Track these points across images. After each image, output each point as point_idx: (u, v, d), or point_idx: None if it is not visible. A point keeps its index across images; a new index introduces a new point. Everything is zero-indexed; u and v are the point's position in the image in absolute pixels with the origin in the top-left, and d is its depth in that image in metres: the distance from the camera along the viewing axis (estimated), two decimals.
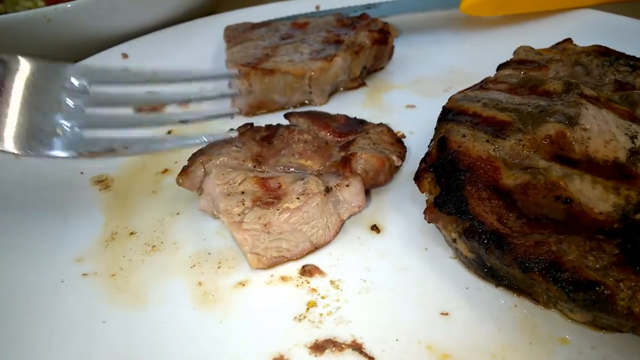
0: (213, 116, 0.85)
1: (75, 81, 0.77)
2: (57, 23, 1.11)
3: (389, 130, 0.89)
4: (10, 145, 0.70)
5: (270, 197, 0.72)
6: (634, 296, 0.50)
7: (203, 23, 1.36)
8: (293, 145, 0.82)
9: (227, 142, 0.83)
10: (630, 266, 0.52)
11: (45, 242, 0.77)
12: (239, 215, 0.70)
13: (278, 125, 0.89)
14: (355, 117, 0.95)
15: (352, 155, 0.79)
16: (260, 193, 0.72)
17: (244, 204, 0.71)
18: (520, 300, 0.62)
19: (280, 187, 0.73)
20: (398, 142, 0.87)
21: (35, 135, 0.72)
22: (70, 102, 0.75)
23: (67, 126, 0.73)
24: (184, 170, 0.79)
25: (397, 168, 0.83)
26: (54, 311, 0.67)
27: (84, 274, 0.72)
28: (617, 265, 0.52)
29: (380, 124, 0.90)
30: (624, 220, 0.58)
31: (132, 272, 0.71)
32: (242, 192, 0.72)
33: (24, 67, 0.74)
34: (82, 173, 0.92)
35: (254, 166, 0.79)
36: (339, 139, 0.87)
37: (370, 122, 0.92)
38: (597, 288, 0.51)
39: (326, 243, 0.74)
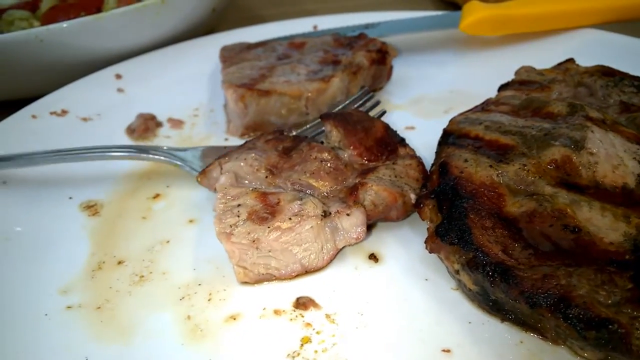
0: None
1: None
2: (50, 44, 1.08)
3: (419, 164, 0.80)
4: None
5: (266, 211, 0.69)
6: None
7: (199, 43, 1.34)
8: (308, 163, 0.78)
9: (250, 147, 0.83)
10: None
11: (29, 272, 0.74)
12: (231, 226, 0.68)
13: (304, 137, 0.87)
14: (396, 132, 0.87)
15: (362, 184, 0.74)
16: (258, 207, 0.70)
17: (238, 216, 0.69)
18: (527, 336, 0.58)
19: (278, 203, 0.70)
20: (425, 180, 0.78)
21: None
22: None
23: None
24: (204, 170, 0.81)
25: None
26: (35, 347, 0.63)
27: (68, 307, 0.68)
28: (631, 302, 0.49)
29: (413, 156, 0.82)
30: (635, 252, 0.55)
31: (118, 305, 0.68)
32: (239, 205, 0.70)
33: None
34: (70, 198, 0.89)
35: (266, 176, 0.77)
36: (363, 162, 0.81)
37: (407, 146, 0.84)
38: (611, 326, 0.48)
39: (318, 269, 0.70)
